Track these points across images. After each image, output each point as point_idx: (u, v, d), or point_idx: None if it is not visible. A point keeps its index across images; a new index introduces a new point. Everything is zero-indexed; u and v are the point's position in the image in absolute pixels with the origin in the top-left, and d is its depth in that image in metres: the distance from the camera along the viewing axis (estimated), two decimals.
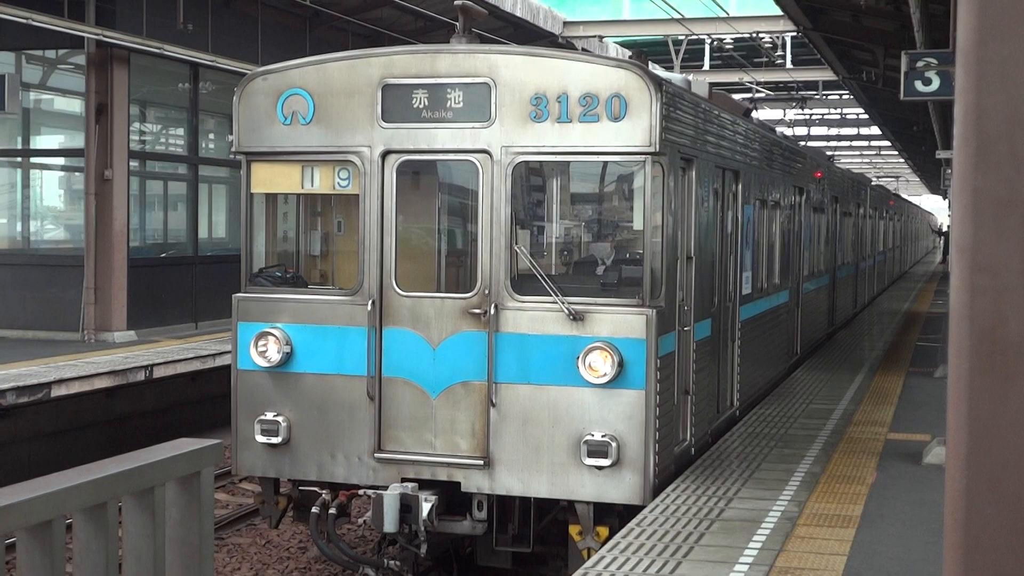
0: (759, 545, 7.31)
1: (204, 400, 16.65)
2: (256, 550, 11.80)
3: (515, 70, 8.58)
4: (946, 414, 1.56)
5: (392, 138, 8.85)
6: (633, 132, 8.34)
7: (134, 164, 18.44)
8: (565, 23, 26.86)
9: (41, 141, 20.16)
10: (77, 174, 18.47)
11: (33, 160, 19.36)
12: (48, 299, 17.76)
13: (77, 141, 18.25)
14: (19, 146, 19.17)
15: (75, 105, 18.83)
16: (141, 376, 14.92)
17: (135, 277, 17.86)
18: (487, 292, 8.68)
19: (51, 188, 20.25)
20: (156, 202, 20.10)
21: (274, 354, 9.06)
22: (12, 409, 13.45)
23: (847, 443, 10.74)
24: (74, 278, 17.53)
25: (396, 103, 8.82)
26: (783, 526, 7.76)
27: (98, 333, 17.47)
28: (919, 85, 13.35)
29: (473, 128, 8.66)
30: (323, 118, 9.00)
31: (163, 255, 19.68)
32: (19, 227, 19.03)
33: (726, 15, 25.18)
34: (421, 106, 8.76)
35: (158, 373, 15.23)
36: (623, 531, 7.66)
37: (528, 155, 8.65)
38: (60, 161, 19.77)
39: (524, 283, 8.72)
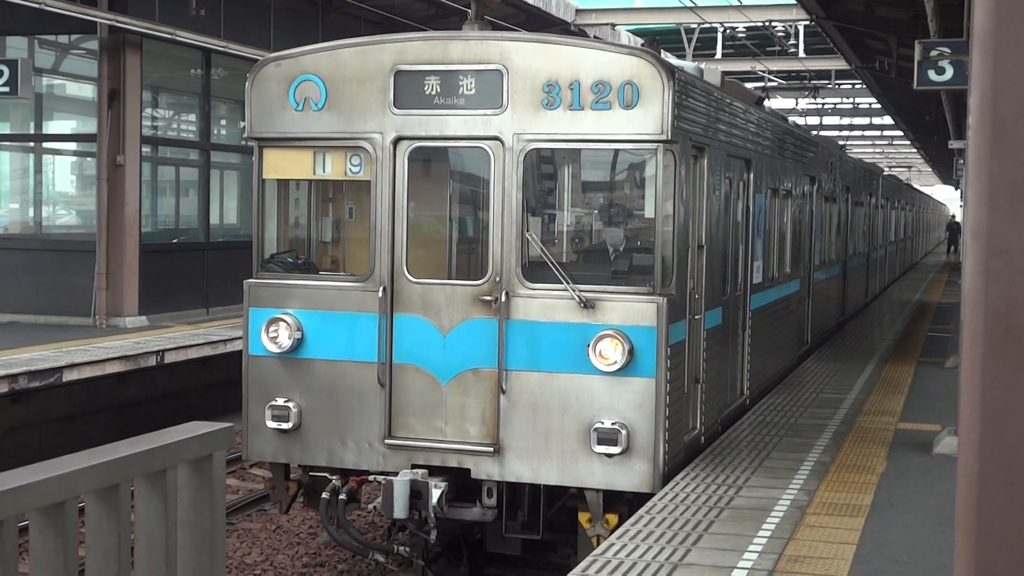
0: (768, 533, 7.31)
1: (215, 385, 16.71)
2: (266, 535, 11.84)
3: (527, 57, 8.56)
4: (956, 404, 1.55)
5: (404, 124, 8.84)
6: (645, 120, 8.33)
7: (146, 150, 18.47)
8: (577, 11, 26.80)
9: (53, 126, 20.21)
10: (89, 159, 18.52)
11: (45, 145, 19.41)
12: (60, 284, 17.82)
13: (89, 126, 18.29)
14: (31, 131, 19.23)
15: (87, 90, 18.87)
16: (152, 361, 14.97)
17: (147, 263, 17.91)
18: (498, 279, 8.68)
19: (63, 173, 20.31)
20: (168, 188, 20.15)
21: (285, 340, 9.07)
22: (24, 393, 13.52)
23: (857, 432, 10.73)
24: (86, 263, 17.59)
25: (408, 89, 8.81)
26: (793, 514, 7.76)
27: (110, 318, 17.53)
28: (932, 74, 13.31)
29: (485, 115, 8.65)
30: (335, 104, 8.98)
31: (175, 241, 19.73)
32: (31, 212, 19.09)
33: (739, 3, 25.11)
34: (433, 93, 8.75)
35: (169, 358, 15.28)
36: (632, 519, 7.67)
37: (540, 142, 8.64)
38: (72, 146, 19.82)
39: (535, 270, 8.71)
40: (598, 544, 7.82)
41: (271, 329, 9.11)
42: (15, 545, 3.73)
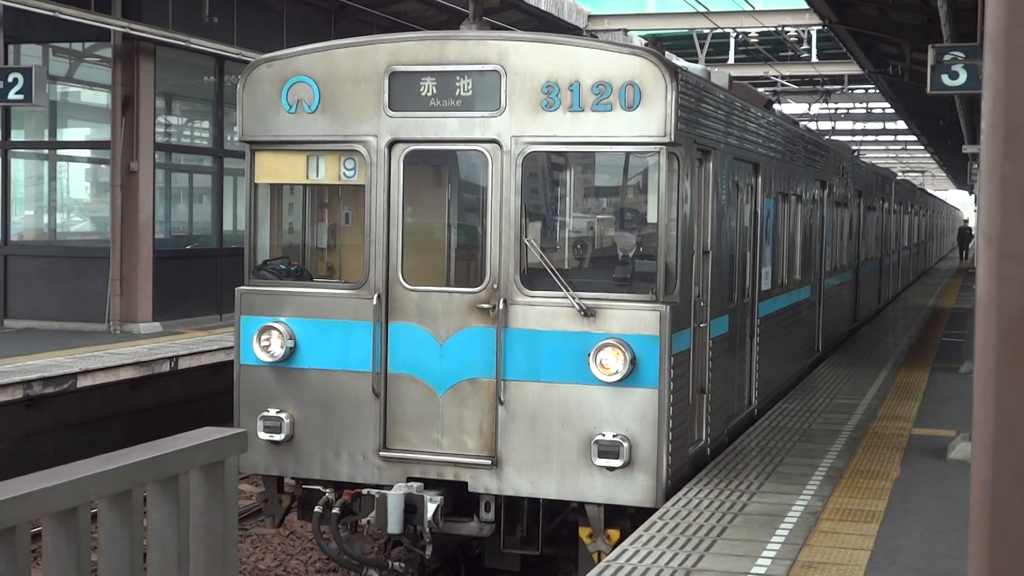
0: (782, 539, 7.29)
1: (228, 391, 16.69)
2: (280, 541, 11.85)
3: (526, 57, 8.31)
4: (971, 409, 1.52)
5: (399, 127, 8.60)
6: (647, 122, 8.08)
7: (159, 156, 18.55)
8: (590, 16, 26.85)
9: (68, 133, 20.34)
10: (103, 166, 18.61)
11: (60, 152, 19.53)
12: (74, 290, 17.91)
13: (103, 133, 18.37)
14: (46, 138, 19.33)
15: (101, 98, 18.97)
16: (166, 367, 15.02)
17: (160, 269, 17.99)
18: (496, 286, 8.43)
19: (77, 180, 20.41)
20: (181, 194, 20.23)
21: (277, 349, 8.83)
22: (38, 399, 13.56)
23: (871, 438, 10.70)
24: (100, 269, 17.67)
25: (403, 91, 8.56)
26: (807, 520, 7.74)
27: (124, 324, 17.60)
28: (946, 79, 13.29)
29: (482, 117, 8.41)
30: (329, 106, 8.74)
31: (188, 247, 19.79)
32: (46, 219, 19.20)
33: (751, 8, 25.09)
34: (429, 94, 8.50)
35: (183, 364, 15.32)
36: (645, 524, 7.59)
37: (539, 145, 8.38)
38: (86, 153, 19.93)
39: (534, 277, 8.46)
40: (599, 560, 7.58)
41: (263, 338, 8.87)
42: (28, 551, 3.73)
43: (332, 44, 8.91)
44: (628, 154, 8.71)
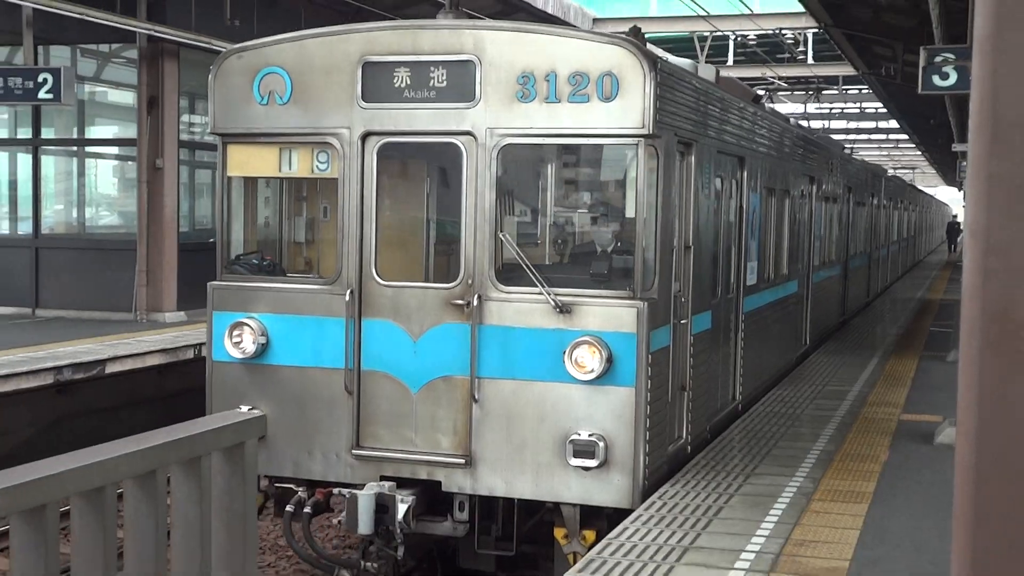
0: (775, 519, 7.44)
1: None
2: None
3: (502, 47, 8.03)
4: (957, 395, 1.60)
5: (372, 119, 8.34)
6: (625, 113, 7.78)
7: (183, 153, 18.83)
8: (594, 20, 26.94)
9: (95, 131, 20.67)
10: (130, 163, 18.94)
11: (88, 149, 19.90)
12: (103, 281, 18.26)
13: (130, 131, 18.68)
14: (75, 136, 19.65)
15: (128, 97, 19.24)
16: (190, 354, 15.19)
17: (184, 260, 18.28)
18: (470, 282, 8.18)
19: (105, 176, 20.75)
20: (204, 190, 20.43)
21: (249, 345, 8.61)
22: (69, 384, 13.75)
23: (861, 423, 10.85)
24: (127, 261, 18.03)
25: (376, 82, 8.31)
26: (799, 501, 7.89)
27: (150, 313, 17.95)
28: (937, 80, 13.43)
29: (457, 108, 8.13)
30: (301, 98, 8.47)
31: (211, 240, 19.91)
32: (75, 213, 19.54)
33: (750, 12, 25.22)
34: (403, 85, 8.25)
35: (207, 351, 15.48)
36: (633, 514, 7.52)
37: (514, 137, 8.07)
38: (114, 150, 20.25)
39: (509, 273, 8.22)
40: (575, 562, 7.45)
41: (234, 334, 8.64)
42: (57, 528, 3.88)
43: (304, 34, 8.68)
44: (606, 146, 8.39)
